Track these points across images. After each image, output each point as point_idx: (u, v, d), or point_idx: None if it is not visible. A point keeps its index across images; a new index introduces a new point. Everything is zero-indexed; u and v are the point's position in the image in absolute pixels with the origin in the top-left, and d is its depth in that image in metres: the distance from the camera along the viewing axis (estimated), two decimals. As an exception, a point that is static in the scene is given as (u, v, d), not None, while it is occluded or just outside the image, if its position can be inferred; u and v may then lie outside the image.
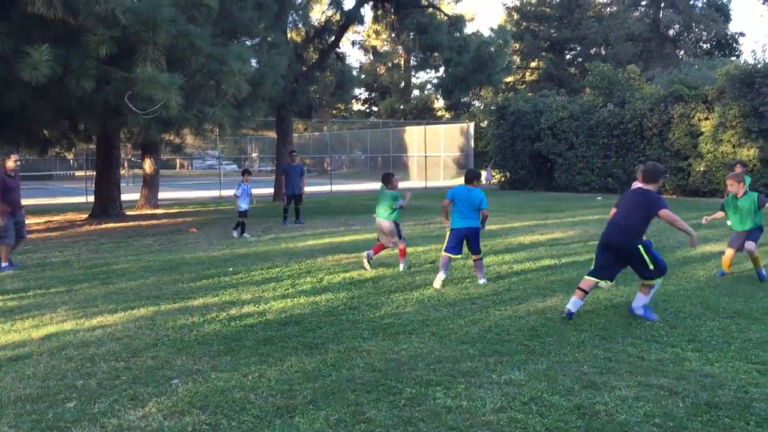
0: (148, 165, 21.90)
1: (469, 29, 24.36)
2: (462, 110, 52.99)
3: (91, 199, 20.36)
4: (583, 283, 6.74)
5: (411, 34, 24.73)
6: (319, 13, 26.23)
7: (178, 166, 61.31)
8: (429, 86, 56.02)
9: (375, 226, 10.14)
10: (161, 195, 23.27)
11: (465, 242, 8.43)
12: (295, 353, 5.63)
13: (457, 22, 24.24)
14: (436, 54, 25.09)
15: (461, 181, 8.87)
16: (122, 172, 27.06)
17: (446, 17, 24.10)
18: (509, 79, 49.65)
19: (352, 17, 23.24)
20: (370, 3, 24.21)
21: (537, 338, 5.97)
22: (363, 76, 53.86)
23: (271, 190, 24.18)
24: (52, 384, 4.94)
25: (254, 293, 8.08)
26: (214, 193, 29.00)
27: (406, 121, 48.07)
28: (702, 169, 23.31)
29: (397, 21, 24.33)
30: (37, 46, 10.09)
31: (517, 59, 48.77)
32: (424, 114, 53.16)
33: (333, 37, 24.23)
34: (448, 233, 8.52)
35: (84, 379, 5.07)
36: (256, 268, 9.90)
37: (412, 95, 58.17)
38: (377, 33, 48.89)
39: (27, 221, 11.92)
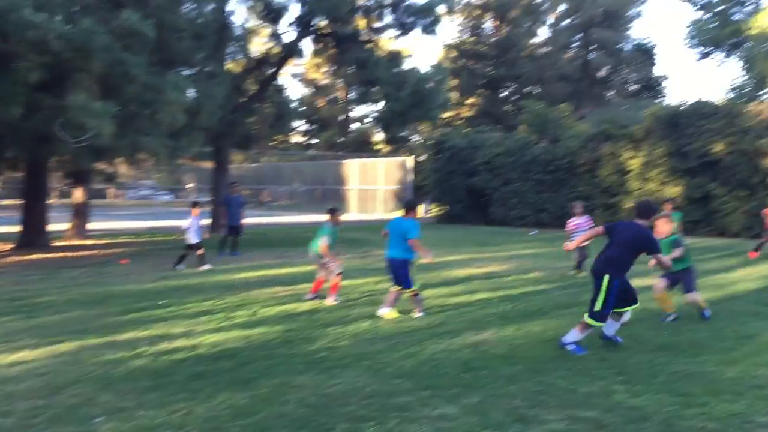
0: (78, 194, 21.28)
1: (407, 65, 24.66)
2: (401, 144, 53.59)
3: (18, 228, 19.62)
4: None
5: (350, 68, 24.97)
6: (259, 45, 26.22)
7: (111, 195, 59.77)
8: (368, 119, 56.53)
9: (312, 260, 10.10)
10: (93, 225, 22.60)
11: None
12: (226, 389, 5.50)
13: (396, 57, 24.59)
14: (376, 88, 25.35)
15: (400, 214, 8.93)
16: (52, 200, 26.20)
17: (385, 53, 24.43)
18: (447, 114, 50.51)
19: (292, 50, 23.32)
20: (311, 37, 24.36)
21: (471, 372, 6.01)
22: (302, 109, 53.94)
23: (208, 221, 23.80)
24: (-35, 424, 4.70)
25: (186, 327, 7.89)
26: (148, 223, 28.35)
27: (345, 153, 48.27)
28: (630, 206, 24.08)
29: (336, 55, 24.53)
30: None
31: (454, 96, 49.71)
32: (363, 147, 53.49)
33: (272, 69, 24.23)
34: None
35: (0, 417, 4.83)
36: (189, 300, 9.68)
37: (351, 128, 58.53)
38: (317, 66, 49.20)
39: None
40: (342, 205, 40.11)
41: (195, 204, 14.41)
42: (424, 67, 34.76)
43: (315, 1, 21.15)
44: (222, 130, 21.91)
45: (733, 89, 35.83)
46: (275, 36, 23.35)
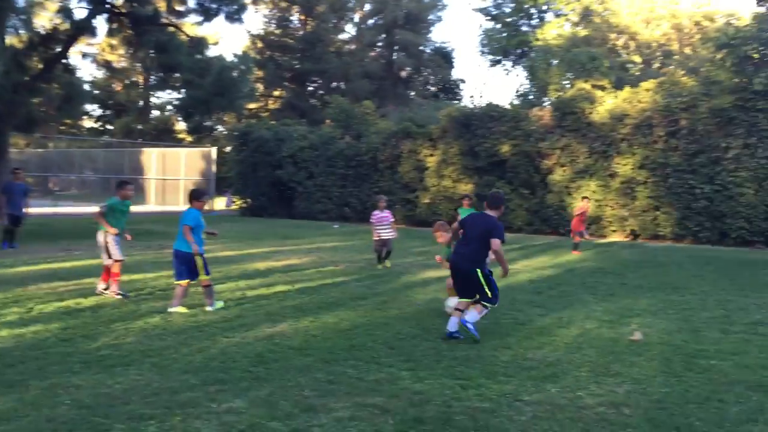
0: None
1: (212, 52, 24.03)
2: (205, 134, 52.00)
3: None
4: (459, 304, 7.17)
5: (150, 52, 23.76)
6: (46, 20, 24.08)
7: None
8: (169, 107, 54.14)
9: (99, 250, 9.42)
10: None
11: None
12: (-13, 394, 4.96)
13: (199, 44, 23.82)
14: (177, 74, 24.36)
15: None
16: None
17: (188, 38, 23.53)
18: (252, 105, 49.93)
19: (83, 28, 21.69)
20: (105, 15, 22.81)
21: (262, 364, 5.93)
22: (96, 92, 50.46)
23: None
24: None
25: (-56, 327, 7.03)
26: None
27: (144, 141, 45.85)
28: (427, 201, 25.30)
29: (134, 37, 23.23)
30: None
31: (260, 87, 49.17)
32: (164, 136, 51.17)
33: (61, 47, 22.37)
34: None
35: None
36: (-49, 298, 8.65)
37: (151, 115, 55.76)
38: (112, 47, 46.25)
39: None
40: (140, 196, 38.12)
41: None
42: (230, 56, 33.93)
43: (109, -24, 19.88)
44: (1, 110, 19.87)
45: (518, 95, 38.87)
46: (64, 11, 21.56)
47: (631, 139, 21.07)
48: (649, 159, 20.60)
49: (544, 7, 45.05)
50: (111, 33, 23.80)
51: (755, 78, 18.86)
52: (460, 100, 49.31)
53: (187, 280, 8.18)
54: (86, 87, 31.33)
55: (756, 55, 19.55)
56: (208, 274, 8.27)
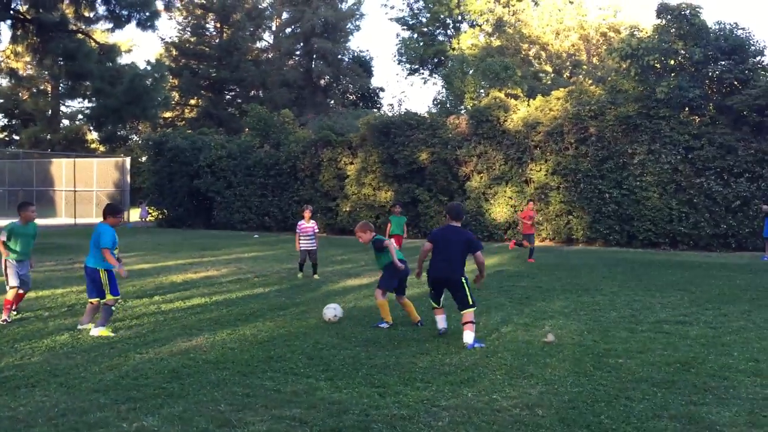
0: None
1: (125, 60, 23.36)
2: (118, 144, 50.44)
3: None
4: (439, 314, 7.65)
5: (58, 59, 22.93)
6: (-58, 25, 22.92)
7: None
8: (80, 116, 52.20)
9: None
10: None
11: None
12: None
13: (111, 51, 23.20)
14: (87, 83, 23.59)
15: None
16: None
17: (98, 45, 22.83)
18: (168, 114, 48.83)
19: (-15, 34, 20.74)
20: (8, 22, 21.89)
21: (177, 380, 5.79)
22: (1, 101, 48.20)
23: None
24: None
25: None
26: None
27: (53, 152, 44.05)
28: (348, 209, 25.32)
29: (40, 44, 22.36)
30: None
31: (175, 95, 48.11)
32: (75, 146, 49.34)
33: (-40, 54, 21.31)
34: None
35: None
36: None
37: (61, 125, 53.64)
38: (17, 54, 44.29)
39: None
40: (50, 208, 36.58)
41: None
42: (143, 64, 33.05)
43: (13, -19, 19.08)
44: None
45: (436, 104, 39.48)
46: (-37, 16, 20.57)
47: (544, 146, 21.74)
48: (561, 165, 21.28)
49: (459, 18, 46.01)
50: (15, 40, 22.84)
51: (657, 87, 19.81)
52: (379, 108, 49.68)
53: (97, 299, 7.83)
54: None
55: (657, 65, 20.55)
56: (114, 294, 7.80)
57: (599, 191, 20.68)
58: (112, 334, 7.54)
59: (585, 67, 39.76)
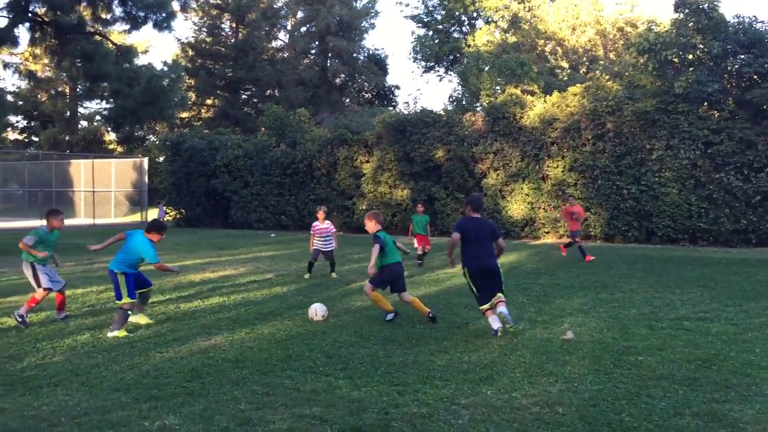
0: None
1: (141, 61, 23.55)
2: (136, 144, 50.83)
3: None
4: (491, 315, 7.56)
5: (76, 61, 23.12)
6: (-38, 29, 23.18)
7: None
8: (98, 118, 52.62)
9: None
10: None
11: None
12: None
13: (127, 52, 23.34)
14: (105, 84, 23.77)
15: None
16: None
17: (115, 47, 23.00)
18: (185, 114, 49.13)
19: (4, 38, 20.97)
20: (27, 24, 22.09)
21: (197, 379, 5.82)
22: (20, 103, 48.70)
23: None
24: None
25: None
26: None
27: (72, 153, 44.47)
28: (364, 207, 25.33)
29: (58, 46, 22.55)
30: None
31: (192, 95, 48.38)
32: (93, 146, 49.77)
33: (-20, 57, 21.55)
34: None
35: None
36: None
37: (80, 126, 54.12)
38: (36, 57, 44.73)
39: None
40: (69, 209, 36.93)
41: None
42: (159, 65, 33.24)
43: (31, -16, 19.26)
44: None
45: (451, 101, 39.36)
46: (-18, 20, 20.81)
47: (561, 142, 21.61)
48: (578, 161, 21.15)
49: (475, 15, 45.84)
50: (34, 42, 23.05)
51: (676, 81, 19.62)
52: (394, 106, 49.63)
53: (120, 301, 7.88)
54: (9, 98, 30.18)
55: (675, 60, 20.35)
56: (132, 297, 7.84)
57: (617, 187, 20.53)
58: (129, 335, 7.60)
59: (602, 62, 39.47)
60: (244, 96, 53.03)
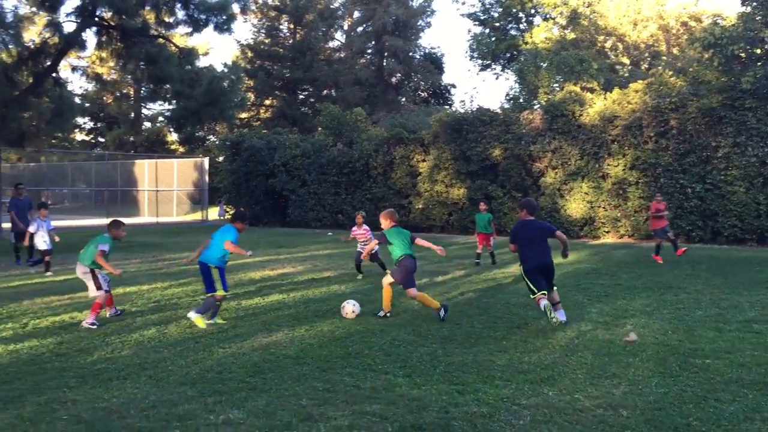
0: None
1: (202, 63, 24.08)
2: (197, 144, 51.97)
3: None
4: (543, 299, 7.97)
5: (140, 63, 23.78)
6: (35, 35, 24.06)
7: None
8: (161, 118, 54.02)
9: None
10: None
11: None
12: (-17, 411, 4.95)
13: (189, 55, 23.87)
14: (167, 86, 24.36)
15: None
16: None
17: (177, 49, 23.55)
18: (244, 115, 49.93)
19: (72, 42, 21.71)
20: (94, 28, 22.82)
21: (259, 374, 5.93)
22: (87, 105, 50.34)
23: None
24: None
25: (-62, 345, 7.00)
26: None
27: (136, 153, 45.78)
28: (420, 206, 25.33)
29: (123, 49, 23.22)
30: None
31: (251, 96, 49.16)
32: (156, 147, 51.10)
33: (50, 61, 22.35)
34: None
35: None
36: (-55, 315, 8.61)
37: (143, 127, 55.67)
38: (102, 60, 46.16)
39: None
40: (133, 208, 38.02)
41: (42, 206, 13.54)
42: (219, 66, 33.90)
43: (98, -10, 19.88)
44: (-10, 125, 19.88)
45: (508, 99, 38.95)
46: (53, 25, 21.57)
47: (622, 140, 21.16)
48: (639, 160, 20.67)
49: (532, 11, 45.26)
50: (100, 46, 23.79)
51: (743, 77, 18.98)
52: (450, 105, 49.37)
53: (211, 293, 8.16)
54: (77, 100, 31.27)
55: (743, 54, 19.68)
56: (225, 290, 8.28)
57: (681, 186, 19.99)
58: (204, 327, 7.85)
59: (664, 58, 38.44)
60: (301, 96, 53.59)
